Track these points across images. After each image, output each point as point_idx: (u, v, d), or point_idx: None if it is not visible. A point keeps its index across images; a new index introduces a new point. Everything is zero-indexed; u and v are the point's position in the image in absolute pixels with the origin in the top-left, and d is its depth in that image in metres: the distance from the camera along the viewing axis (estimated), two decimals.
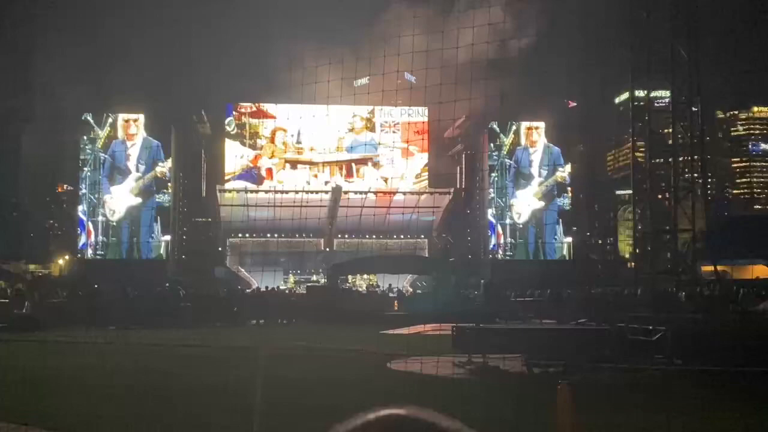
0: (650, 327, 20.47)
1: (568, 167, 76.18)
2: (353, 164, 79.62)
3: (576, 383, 8.38)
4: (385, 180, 78.96)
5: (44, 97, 67.45)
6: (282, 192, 72.17)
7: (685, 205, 39.12)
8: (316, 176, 78.81)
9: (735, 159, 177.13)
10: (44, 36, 69.74)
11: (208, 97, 79.55)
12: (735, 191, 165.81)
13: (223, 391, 15.51)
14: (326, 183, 77.46)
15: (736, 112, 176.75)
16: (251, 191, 73.65)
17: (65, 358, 23.02)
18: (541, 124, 75.47)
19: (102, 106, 70.17)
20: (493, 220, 75.27)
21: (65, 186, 75.11)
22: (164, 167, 72.11)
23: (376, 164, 79.69)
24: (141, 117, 71.24)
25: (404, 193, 77.00)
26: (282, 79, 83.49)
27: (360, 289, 62.52)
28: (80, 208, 71.05)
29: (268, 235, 72.35)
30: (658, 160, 41.08)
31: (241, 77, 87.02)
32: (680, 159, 40.09)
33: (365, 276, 66.99)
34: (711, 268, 40.87)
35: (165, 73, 73.91)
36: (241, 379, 13.75)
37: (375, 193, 75.13)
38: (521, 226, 74.97)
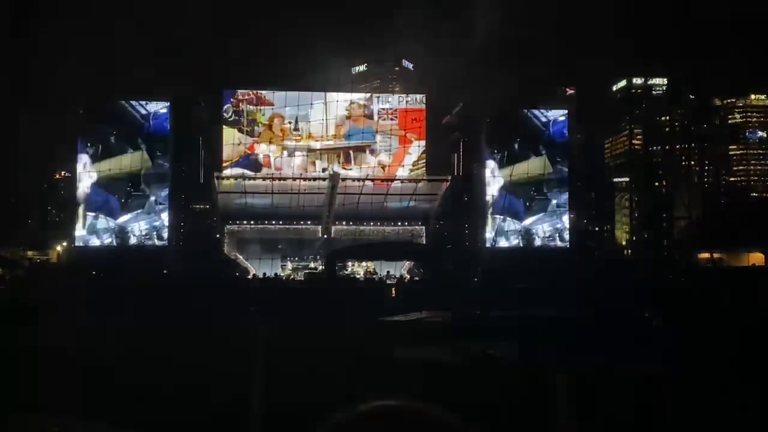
0: (647, 315, 20.61)
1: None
2: (351, 151, 79.51)
3: (572, 371, 8.47)
4: (383, 167, 78.91)
5: (42, 82, 67.37)
6: (280, 179, 72.10)
7: (682, 192, 39.26)
8: (313, 163, 78.74)
9: (732, 146, 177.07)
10: (43, 19, 69.56)
11: (205, 83, 79.43)
12: (732, 179, 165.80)
13: (221, 378, 15.59)
14: (324, 170, 77.41)
15: (733, 100, 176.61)
16: (249, 178, 73.56)
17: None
18: None
19: (100, 92, 69.95)
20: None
21: (63, 173, 75.07)
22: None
23: (373, 151, 79.63)
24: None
25: (402, 180, 76.94)
26: (280, 65, 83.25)
27: (358, 276, 62.70)
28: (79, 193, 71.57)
29: (266, 222, 72.37)
30: (655, 148, 41.24)
31: (239, 64, 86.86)
32: (677, 147, 40.22)
33: (363, 263, 67.15)
34: (707, 255, 41.13)
35: (163, 60, 73.75)
36: (239, 366, 13.82)
37: (372, 180, 75.06)
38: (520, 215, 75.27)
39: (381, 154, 79.52)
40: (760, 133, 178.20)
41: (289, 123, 79.34)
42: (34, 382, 15.98)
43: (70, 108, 70.75)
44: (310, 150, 79.20)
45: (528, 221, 75.96)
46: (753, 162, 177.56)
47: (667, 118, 37.89)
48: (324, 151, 79.31)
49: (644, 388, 15.26)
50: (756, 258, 50.76)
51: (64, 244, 73.55)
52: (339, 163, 78.76)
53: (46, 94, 66.72)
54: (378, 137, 79.20)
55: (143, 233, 71.19)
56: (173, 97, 73.13)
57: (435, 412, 0.89)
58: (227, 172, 76.39)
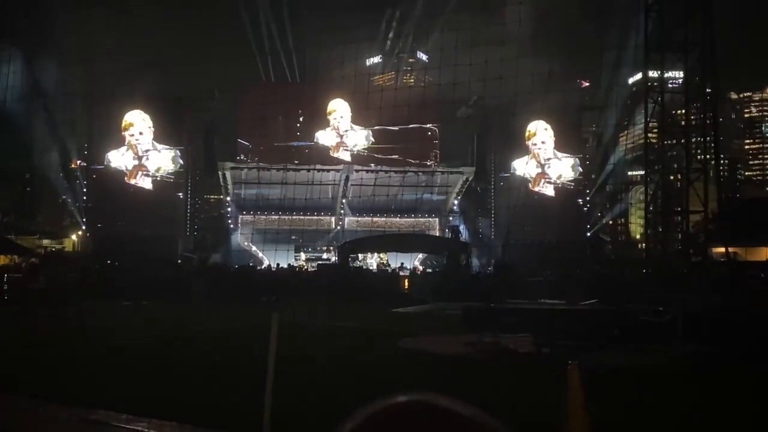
0: (660, 308, 20.52)
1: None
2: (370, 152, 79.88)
3: (586, 364, 8.49)
4: (397, 159, 78.72)
5: (58, 72, 67.38)
6: (294, 170, 72.15)
7: (697, 186, 39.00)
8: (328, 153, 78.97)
9: (748, 140, 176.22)
10: (58, 11, 69.62)
11: (220, 74, 79.45)
12: (747, 173, 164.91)
13: (234, 367, 15.68)
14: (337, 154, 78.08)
15: (749, 93, 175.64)
16: (263, 168, 73.56)
17: (80, 332, 23.28)
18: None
19: (115, 81, 69.84)
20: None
21: (78, 162, 75.37)
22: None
23: (388, 143, 79.43)
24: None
25: (416, 172, 76.83)
26: (295, 58, 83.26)
27: (371, 268, 62.68)
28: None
29: (280, 212, 72.41)
30: (670, 141, 40.98)
31: (254, 56, 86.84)
32: (693, 140, 39.96)
33: (376, 254, 67.10)
34: (722, 249, 40.87)
35: (178, 50, 73.77)
36: (252, 355, 13.91)
37: (386, 171, 74.91)
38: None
39: (395, 145, 79.47)
40: None
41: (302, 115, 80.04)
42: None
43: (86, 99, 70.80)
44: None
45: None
46: None
47: (683, 111, 37.62)
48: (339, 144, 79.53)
49: (657, 381, 15.26)
50: None
51: (80, 232, 73.94)
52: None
53: (63, 83, 66.66)
54: (392, 129, 79.11)
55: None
56: (188, 88, 73.48)
57: (463, 409, 0.89)
58: (242, 161, 76.61)
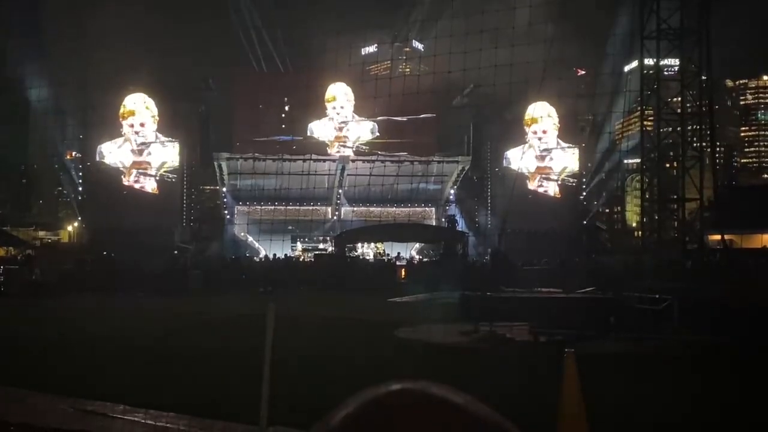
0: (657, 296, 20.53)
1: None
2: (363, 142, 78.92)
3: (582, 352, 8.47)
4: (401, 152, 77.89)
5: (52, 63, 66.94)
6: (290, 160, 71.75)
7: (693, 173, 39.00)
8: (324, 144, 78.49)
9: (744, 128, 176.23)
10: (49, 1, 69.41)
11: (215, 63, 79.16)
12: (743, 160, 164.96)
13: (231, 358, 15.65)
14: (336, 151, 77.33)
15: (745, 81, 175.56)
16: (259, 159, 73.15)
17: (81, 325, 23.24)
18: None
19: (108, 71, 69.24)
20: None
21: (74, 153, 74.92)
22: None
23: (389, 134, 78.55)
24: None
25: (412, 162, 76.39)
26: (290, 47, 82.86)
27: (367, 258, 62.61)
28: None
29: (276, 203, 72.19)
30: (666, 129, 40.96)
31: (248, 44, 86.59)
32: (689, 127, 39.94)
33: (373, 244, 67.00)
34: (718, 236, 40.89)
35: (172, 39, 73.31)
36: (248, 346, 13.88)
37: (383, 161, 74.56)
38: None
39: (391, 135, 78.96)
40: None
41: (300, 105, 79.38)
42: None
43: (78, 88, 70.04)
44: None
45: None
46: (765, 143, 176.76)
47: (679, 99, 37.66)
48: (337, 139, 78.70)
49: (653, 369, 15.29)
50: None
51: (75, 224, 73.79)
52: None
53: (57, 74, 66.14)
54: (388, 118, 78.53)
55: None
56: (183, 77, 73.07)
57: (456, 397, 0.85)
58: (237, 151, 76.05)
